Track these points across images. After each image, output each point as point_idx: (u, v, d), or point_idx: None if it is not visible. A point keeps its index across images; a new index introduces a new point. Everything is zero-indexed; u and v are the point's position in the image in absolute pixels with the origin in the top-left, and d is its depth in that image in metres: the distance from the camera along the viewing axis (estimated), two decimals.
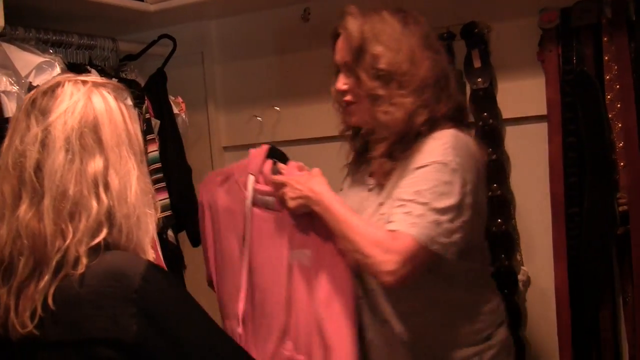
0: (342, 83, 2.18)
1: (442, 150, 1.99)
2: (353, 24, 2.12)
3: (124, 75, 2.95)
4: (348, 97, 2.18)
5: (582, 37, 2.52)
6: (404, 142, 2.08)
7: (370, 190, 2.22)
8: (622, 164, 2.44)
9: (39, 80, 2.31)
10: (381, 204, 2.10)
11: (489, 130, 2.74)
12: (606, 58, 2.47)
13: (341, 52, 2.18)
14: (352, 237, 1.97)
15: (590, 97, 2.45)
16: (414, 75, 2.06)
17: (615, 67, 2.46)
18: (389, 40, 2.08)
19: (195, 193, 3.07)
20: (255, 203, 2.24)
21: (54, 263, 1.41)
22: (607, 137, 2.43)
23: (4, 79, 2.24)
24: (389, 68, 2.06)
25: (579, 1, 2.54)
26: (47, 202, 1.42)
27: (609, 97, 2.46)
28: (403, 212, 1.93)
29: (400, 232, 1.89)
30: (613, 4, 2.49)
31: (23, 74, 2.31)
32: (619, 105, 2.45)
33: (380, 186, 2.17)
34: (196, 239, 3.07)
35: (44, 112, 1.48)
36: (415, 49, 2.09)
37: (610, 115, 2.45)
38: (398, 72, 2.06)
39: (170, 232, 2.76)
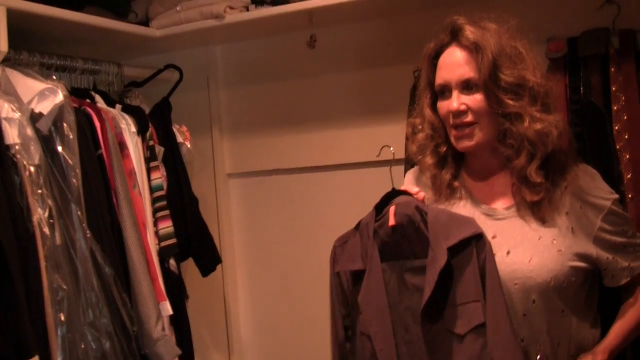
0: (459, 103, 2.02)
1: (605, 186, 2.08)
2: (479, 36, 2.01)
3: (128, 101, 2.95)
4: (469, 118, 2.03)
5: (590, 67, 2.50)
6: (548, 167, 2.04)
7: (489, 215, 2.11)
8: (630, 195, 2.41)
9: (41, 106, 2.30)
10: (554, 241, 2.00)
11: None
12: (614, 88, 2.45)
13: (459, 68, 2.03)
14: None
15: (597, 128, 2.43)
16: (547, 89, 2.04)
17: (623, 97, 2.43)
18: (515, 54, 2.02)
19: (204, 221, 3.08)
20: None
21: None
22: (615, 168, 2.40)
23: (6, 105, 2.22)
24: (522, 83, 1.99)
25: (586, 31, 2.52)
26: None
27: (616, 127, 2.43)
28: None
29: None
30: (621, 34, 2.48)
31: (25, 100, 2.30)
32: (626, 136, 2.42)
33: (520, 213, 2.06)
34: (207, 269, 3.06)
35: None
36: (537, 61, 2.06)
37: (617, 146, 2.43)
38: (529, 86, 1.99)
39: (172, 261, 2.74)
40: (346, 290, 2.15)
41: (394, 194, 2.09)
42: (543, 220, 2.02)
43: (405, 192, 2.08)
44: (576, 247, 1.99)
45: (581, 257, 1.99)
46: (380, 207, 2.08)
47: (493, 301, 1.88)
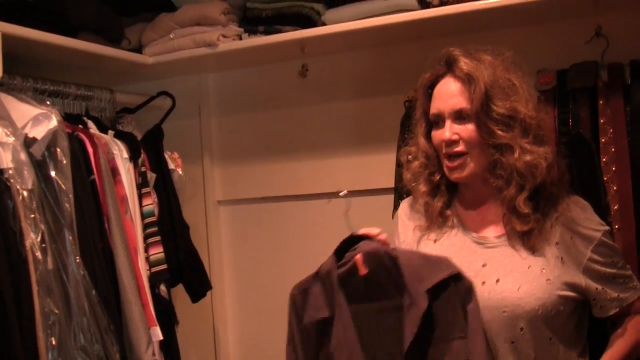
0: (451, 132, 2.05)
1: (596, 217, 2.10)
2: (473, 68, 2.04)
3: (120, 127, 2.95)
4: (460, 148, 2.05)
5: (579, 100, 2.52)
6: (538, 199, 2.06)
7: (480, 243, 2.11)
8: (617, 226, 2.43)
9: (35, 131, 2.31)
10: (543, 270, 2.01)
11: None
12: (602, 121, 2.48)
13: (453, 98, 2.06)
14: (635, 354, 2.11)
15: (586, 160, 2.44)
16: (539, 121, 2.06)
17: (611, 130, 2.46)
18: (508, 86, 2.04)
19: (195, 248, 3.07)
20: None
21: None
22: (602, 199, 2.42)
23: (0, 129, 2.23)
24: (514, 114, 2.02)
25: (576, 64, 2.56)
26: None
27: (604, 159, 2.46)
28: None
29: None
30: (609, 67, 2.52)
31: (19, 125, 2.31)
32: (614, 168, 2.45)
33: (510, 242, 2.07)
34: (197, 295, 3.06)
35: None
36: (529, 94, 2.09)
37: (605, 178, 2.45)
38: (520, 118, 2.02)
39: (162, 287, 2.74)
40: (310, 341, 2.09)
41: (354, 239, 2.07)
42: (533, 250, 2.03)
43: (365, 237, 2.07)
44: (565, 276, 2.00)
45: (570, 286, 2.00)
46: (340, 252, 2.07)
47: (474, 339, 1.89)
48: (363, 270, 1.99)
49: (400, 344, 1.92)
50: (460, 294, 1.92)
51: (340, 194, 2.18)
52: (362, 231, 2.09)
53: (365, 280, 2.00)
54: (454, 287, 1.92)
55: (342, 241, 2.07)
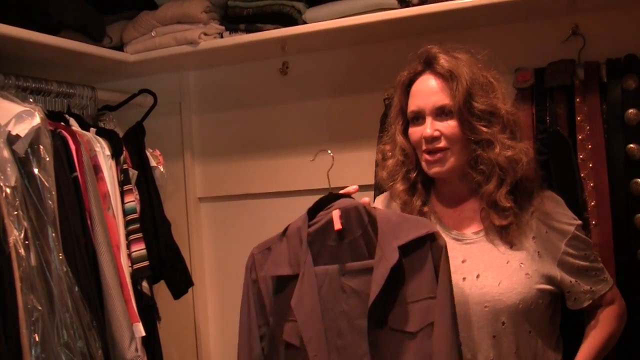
0: (433, 129, 2.07)
1: (569, 212, 2.15)
2: (454, 65, 2.07)
3: (102, 124, 2.95)
4: (442, 144, 2.08)
5: (556, 97, 2.56)
6: (516, 193, 2.10)
7: (459, 240, 2.15)
8: (593, 222, 2.46)
9: (18, 129, 2.30)
10: (522, 264, 2.05)
11: None
12: (579, 118, 2.51)
13: (434, 95, 2.08)
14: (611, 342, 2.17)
15: (563, 156, 2.48)
16: (515, 118, 2.11)
17: (588, 127, 2.50)
18: (486, 83, 2.08)
19: (176, 244, 3.08)
20: None
21: None
22: (579, 195, 2.45)
23: None
24: (494, 111, 2.06)
25: (553, 62, 2.59)
26: None
27: (581, 156, 2.49)
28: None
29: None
30: (585, 65, 2.55)
31: (2, 122, 2.30)
32: (590, 165, 2.48)
33: (488, 237, 2.11)
34: (179, 291, 3.07)
35: None
36: (506, 91, 2.14)
37: (582, 174, 2.48)
38: (500, 114, 2.06)
39: (145, 284, 2.74)
40: (265, 299, 2.10)
41: (331, 198, 2.08)
42: (511, 244, 2.07)
43: (344, 195, 2.07)
44: (542, 270, 2.04)
45: (547, 279, 2.04)
46: (314, 212, 2.07)
47: (442, 301, 1.88)
48: (337, 225, 1.99)
49: (366, 306, 1.91)
50: (434, 255, 1.91)
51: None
52: (342, 191, 2.10)
53: (336, 238, 2.00)
54: (428, 246, 1.91)
55: (317, 200, 2.09)
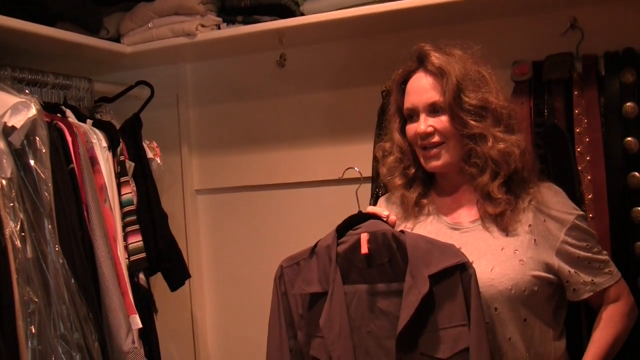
0: (426, 125, 2.12)
1: (570, 202, 2.16)
2: (444, 62, 2.10)
3: (99, 116, 2.94)
4: (436, 139, 2.12)
5: (554, 91, 2.55)
6: (510, 184, 2.12)
7: (456, 229, 2.18)
8: (590, 215, 2.46)
9: (14, 120, 2.29)
10: (517, 251, 2.06)
11: None
12: (576, 111, 2.51)
13: (426, 92, 2.13)
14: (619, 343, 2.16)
15: (560, 150, 2.48)
16: (509, 111, 2.13)
17: (585, 120, 2.49)
18: (478, 78, 2.11)
19: (173, 236, 3.07)
20: None
21: None
22: (576, 189, 2.45)
23: None
24: (485, 105, 2.08)
25: (551, 55, 2.58)
26: None
27: (578, 149, 2.49)
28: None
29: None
30: (584, 59, 2.55)
31: None
32: (588, 158, 2.48)
33: (484, 226, 2.13)
34: (175, 284, 3.07)
35: None
36: (500, 85, 2.15)
37: (579, 168, 2.48)
38: (492, 108, 2.09)
39: (142, 276, 2.74)
40: (294, 314, 2.14)
41: (360, 217, 2.10)
42: (506, 232, 2.10)
43: (373, 216, 2.10)
44: (538, 257, 2.05)
45: (544, 267, 2.05)
46: (343, 230, 2.10)
47: (477, 328, 1.91)
48: (365, 250, 2.02)
49: (394, 328, 1.95)
50: (464, 282, 1.94)
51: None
52: (370, 209, 2.14)
53: (364, 260, 2.03)
54: (458, 275, 1.95)
55: (347, 218, 2.11)
